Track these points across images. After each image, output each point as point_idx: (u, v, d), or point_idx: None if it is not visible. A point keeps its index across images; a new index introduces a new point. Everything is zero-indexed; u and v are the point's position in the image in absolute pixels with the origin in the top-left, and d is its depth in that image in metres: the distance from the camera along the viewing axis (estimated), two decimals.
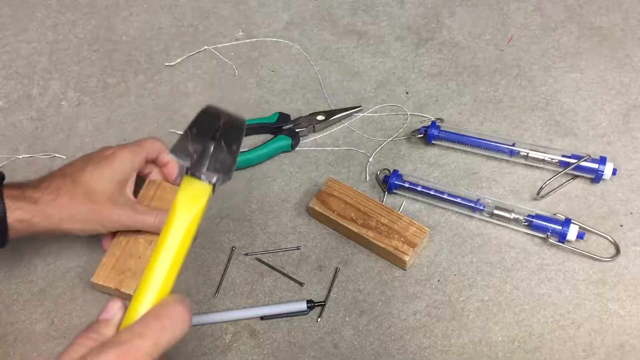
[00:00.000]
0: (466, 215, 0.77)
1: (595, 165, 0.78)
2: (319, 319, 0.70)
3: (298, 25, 0.99)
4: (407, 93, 0.90)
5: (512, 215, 0.75)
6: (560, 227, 0.73)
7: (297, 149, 0.85)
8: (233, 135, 0.56)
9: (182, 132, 0.55)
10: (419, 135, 0.83)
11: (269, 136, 0.85)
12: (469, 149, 0.82)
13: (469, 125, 0.86)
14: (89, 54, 0.97)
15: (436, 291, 0.72)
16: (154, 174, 0.77)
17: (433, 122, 0.83)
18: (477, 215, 0.76)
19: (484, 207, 0.76)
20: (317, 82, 0.92)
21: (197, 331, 0.69)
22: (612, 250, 0.74)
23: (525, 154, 0.80)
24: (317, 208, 0.76)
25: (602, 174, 0.77)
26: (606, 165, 0.77)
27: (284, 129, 0.85)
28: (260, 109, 0.89)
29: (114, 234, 0.72)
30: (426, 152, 0.84)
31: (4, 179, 0.66)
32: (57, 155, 0.85)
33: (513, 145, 0.80)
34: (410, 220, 0.74)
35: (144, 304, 0.51)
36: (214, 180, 0.54)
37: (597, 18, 0.97)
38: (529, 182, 0.80)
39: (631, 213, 0.77)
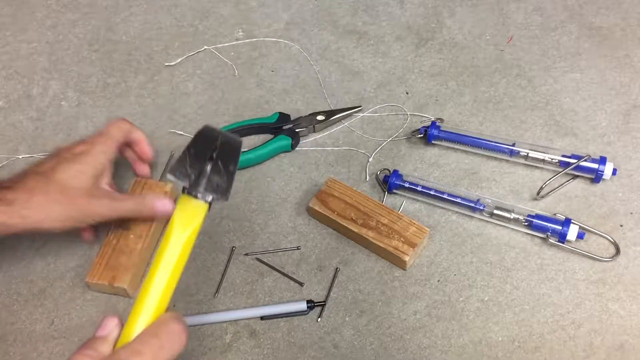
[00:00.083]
0: (466, 215, 0.77)
1: (595, 165, 0.77)
2: (319, 319, 0.70)
3: (298, 25, 0.99)
4: (407, 93, 0.90)
5: (512, 215, 0.75)
6: (560, 227, 0.73)
7: (297, 149, 0.85)
8: (229, 156, 0.57)
9: (182, 146, 0.56)
10: (419, 135, 0.83)
11: (269, 136, 0.85)
12: (469, 149, 0.82)
13: (469, 125, 0.86)
14: (89, 54, 0.97)
15: (436, 291, 0.72)
16: (129, 153, 0.78)
17: (433, 122, 0.83)
18: (477, 215, 0.76)
19: (484, 207, 0.76)
20: (317, 82, 0.92)
21: (197, 331, 0.69)
22: (612, 250, 0.74)
23: (525, 154, 0.80)
24: (317, 208, 0.76)
25: (602, 174, 0.77)
26: (606, 165, 0.77)
27: (284, 129, 0.85)
28: (260, 109, 0.89)
29: (106, 230, 0.74)
30: (426, 152, 0.84)
31: None
32: None
33: (513, 145, 0.80)
34: (410, 220, 0.74)
35: (140, 321, 0.52)
36: (210, 199, 0.55)
37: (597, 18, 0.97)
38: (529, 182, 0.80)
39: (631, 213, 0.77)
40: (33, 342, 0.69)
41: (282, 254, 0.75)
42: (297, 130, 0.85)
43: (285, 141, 0.83)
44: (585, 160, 0.78)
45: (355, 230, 0.74)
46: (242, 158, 0.82)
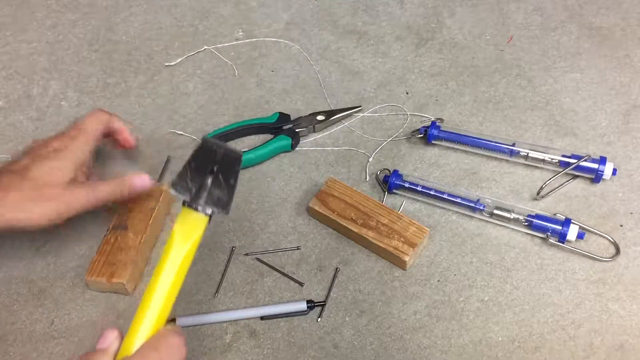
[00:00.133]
0: (466, 215, 0.77)
1: (595, 165, 0.78)
2: (319, 319, 0.70)
3: (298, 25, 0.99)
4: (407, 93, 0.90)
5: (512, 215, 0.75)
6: (560, 227, 0.73)
7: (297, 149, 0.85)
8: (230, 169, 0.58)
9: (183, 161, 0.57)
10: (419, 135, 0.83)
11: (269, 136, 0.85)
12: (469, 149, 0.82)
13: (469, 125, 0.86)
14: (89, 54, 0.97)
15: (436, 291, 0.72)
16: (109, 142, 0.77)
17: (433, 122, 0.83)
18: (477, 215, 0.76)
19: (484, 207, 0.76)
20: (317, 82, 0.92)
21: (197, 331, 0.69)
22: (612, 250, 0.74)
23: (525, 154, 0.80)
24: (317, 208, 0.76)
25: (602, 174, 0.77)
26: (606, 165, 0.77)
27: (284, 129, 0.85)
28: (260, 109, 0.89)
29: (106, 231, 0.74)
30: (426, 152, 0.84)
31: None
32: None
33: (513, 145, 0.80)
34: (410, 220, 0.74)
35: (140, 333, 0.52)
36: (210, 212, 0.56)
37: (597, 18, 0.97)
38: (529, 182, 0.80)
39: (631, 213, 0.77)
40: (33, 342, 0.69)
41: (282, 254, 0.75)
42: (297, 130, 0.85)
43: (285, 141, 0.83)
44: (585, 160, 0.78)
45: (355, 230, 0.74)
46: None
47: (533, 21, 0.98)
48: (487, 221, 0.77)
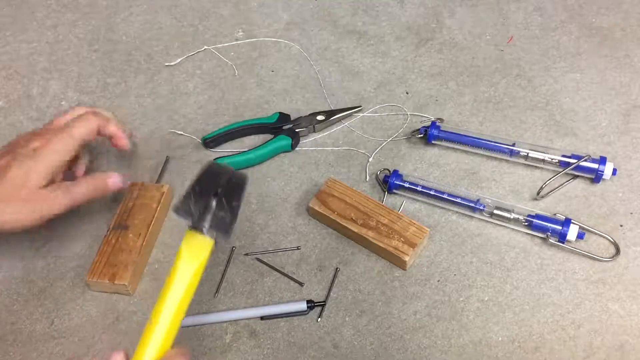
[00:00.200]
0: (466, 215, 0.77)
1: (595, 165, 0.78)
2: (319, 319, 0.70)
3: (298, 25, 0.99)
4: (407, 93, 0.90)
5: (512, 215, 0.75)
6: (560, 227, 0.73)
7: (297, 149, 0.85)
8: (234, 193, 0.58)
9: (187, 188, 0.57)
10: (419, 135, 0.83)
11: (269, 136, 0.85)
12: (469, 149, 0.82)
13: (469, 125, 0.86)
14: (89, 54, 0.97)
15: (436, 291, 0.72)
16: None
17: (433, 122, 0.83)
18: (477, 215, 0.76)
19: (484, 207, 0.76)
20: (317, 82, 0.92)
21: (197, 331, 0.69)
22: (612, 250, 0.74)
23: (525, 154, 0.80)
24: (317, 208, 0.76)
25: (602, 174, 0.77)
26: (606, 165, 0.77)
27: (284, 129, 0.85)
28: (260, 109, 0.89)
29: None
30: (426, 152, 0.84)
31: None
32: None
33: (513, 145, 0.80)
34: (410, 220, 0.74)
35: (146, 357, 0.53)
36: (214, 236, 0.56)
37: (597, 18, 0.97)
38: (529, 182, 0.80)
39: (631, 213, 0.77)
40: (33, 342, 0.69)
41: (282, 254, 0.75)
42: (297, 130, 0.85)
43: (285, 141, 0.83)
44: (585, 160, 0.78)
45: (355, 230, 0.74)
46: (242, 158, 0.82)
47: (533, 21, 0.98)
48: (487, 221, 0.77)
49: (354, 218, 0.75)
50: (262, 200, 0.80)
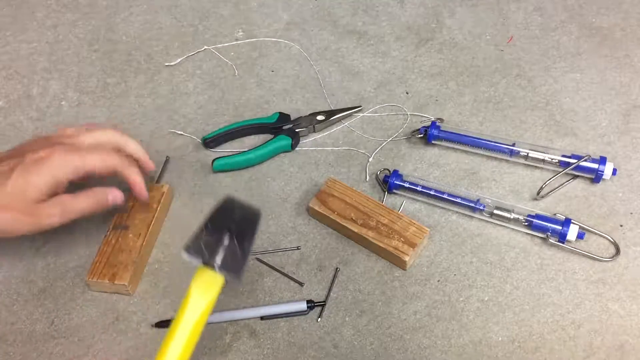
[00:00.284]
0: (466, 215, 0.77)
1: (595, 165, 0.78)
2: (319, 319, 0.70)
3: (298, 25, 0.99)
4: (407, 93, 0.90)
5: (512, 215, 0.75)
6: (560, 227, 0.73)
7: (297, 149, 0.85)
8: (247, 230, 0.59)
9: (199, 226, 0.58)
10: (419, 135, 0.83)
11: (269, 136, 0.85)
12: (469, 149, 0.82)
13: (469, 125, 0.86)
14: (89, 54, 0.97)
15: (436, 291, 0.72)
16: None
17: (433, 122, 0.83)
18: (477, 215, 0.76)
19: (484, 207, 0.76)
20: (317, 82, 0.92)
21: None
22: (612, 250, 0.74)
23: (525, 154, 0.80)
24: (317, 208, 0.76)
25: (602, 174, 0.77)
26: (606, 165, 0.77)
27: (284, 129, 0.85)
28: (260, 109, 0.89)
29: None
30: (426, 152, 0.84)
31: None
32: None
33: (513, 145, 0.80)
34: (410, 220, 0.74)
35: None
36: (223, 276, 0.57)
37: (597, 18, 0.97)
38: (529, 182, 0.80)
39: (631, 213, 0.77)
40: (33, 342, 0.69)
41: (282, 254, 0.75)
42: (297, 130, 0.85)
43: (285, 141, 0.83)
44: (585, 160, 0.78)
45: (355, 230, 0.74)
46: (242, 158, 0.82)
47: (533, 21, 0.98)
48: (487, 221, 0.77)
49: (354, 218, 0.75)
50: (262, 200, 0.80)
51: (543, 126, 0.85)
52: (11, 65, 0.95)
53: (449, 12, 1.00)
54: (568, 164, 0.78)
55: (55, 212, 0.65)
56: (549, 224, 0.73)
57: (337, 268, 0.74)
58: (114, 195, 0.70)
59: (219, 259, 0.57)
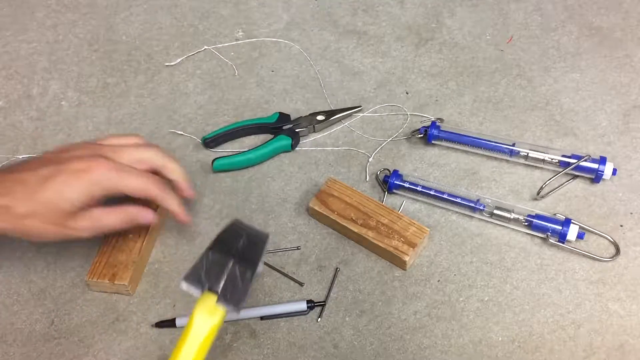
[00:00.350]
0: (466, 215, 0.77)
1: (595, 165, 0.78)
2: (319, 319, 0.70)
3: (298, 25, 0.99)
4: (407, 93, 0.90)
5: (512, 215, 0.75)
6: (560, 227, 0.73)
7: (297, 149, 0.85)
8: (253, 256, 0.59)
9: (200, 255, 0.58)
10: (419, 135, 0.83)
11: (269, 136, 0.85)
12: (469, 149, 0.82)
13: (469, 125, 0.86)
14: (89, 54, 0.97)
15: (436, 291, 0.72)
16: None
17: (433, 122, 0.83)
18: (477, 215, 0.76)
19: (484, 207, 0.76)
20: (317, 82, 0.92)
21: None
22: (612, 250, 0.74)
23: (525, 154, 0.80)
24: (317, 208, 0.76)
25: (602, 174, 0.77)
26: (606, 165, 0.77)
27: (284, 129, 0.85)
28: (260, 109, 0.89)
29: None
30: (426, 152, 0.84)
31: None
32: None
33: (513, 145, 0.80)
34: (410, 220, 0.74)
35: None
36: (223, 307, 0.57)
37: (597, 18, 0.97)
38: (529, 182, 0.80)
39: (631, 213, 0.77)
40: (33, 342, 0.69)
41: (282, 254, 0.75)
42: (297, 130, 0.85)
43: (285, 141, 0.83)
44: (585, 160, 0.78)
45: (355, 230, 0.74)
46: (242, 158, 0.82)
47: (533, 21, 0.98)
48: (487, 221, 0.77)
49: (354, 218, 0.75)
50: (262, 200, 0.80)
51: (543, 126, 0.85)
52: (11, 65, 0.95)
53: (449, 12, 1.00)
54: (568, 164, 0.78)
55: (85, 226, 0.65)
56: (549, 224, 0.73)
57: (337, 268, 0.74)
58: (146, 216, 0.69)
59: (220, 288, 0.57)
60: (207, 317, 0.56)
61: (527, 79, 0.91)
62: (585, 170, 0.78)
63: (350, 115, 0.87)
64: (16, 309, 0.72)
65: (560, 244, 0.73)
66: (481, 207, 0.76)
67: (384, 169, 0.81)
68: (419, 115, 0.87)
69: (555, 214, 0.76)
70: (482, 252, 0.74)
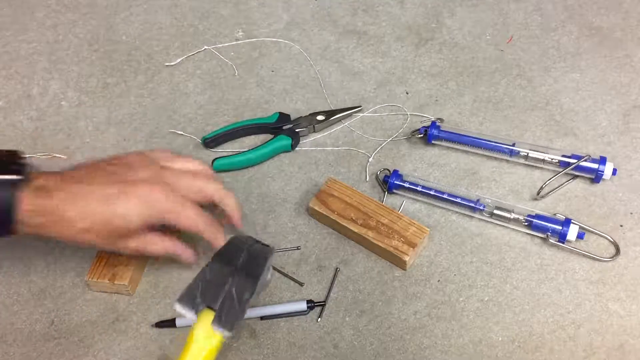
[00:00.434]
0: (466, 215, 0.77)
1: (595, 165, 0.78)
2: (319, 319, 0.70)
3: (298, 25, 0.99)
4: (407, 93, 0.90)
5: (512, 215, 0.75)
6: (560, 227, 0.73)
7: (297, 149, 0.85)
8: (254, 272, 0.59)
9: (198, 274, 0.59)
10: (419, 135, 0.83)
11: (269, 136, 0.85)
12: (469, 149, 0.82)
13: (469, 125, 0.86)
14: (89, 54, 0.97)
15: (436, 291, 0.72)
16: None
17: (433, 122, 0.83)
18: (477, 215, 0.76)
19: (484, 207, 0.76)
20: (317, 82, 0.92)
21: None
22: (612, 250, 0.74)
23: (525, 154, 0.80)
24: (317, 208, 0.76)
25: (602, 174, 0.77)
26: (606, 165, 0.77)
27: (284, 129, 0.85)
28: (260, 109, 0.89)
29: None
30: (426, 152, 0.84)
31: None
32: (57, 155, 0.85)
33: (513, 145, 0.80)
34: (410, 220, 0.74)
35: None
36: (217, 330, 0.57)
37: (597, 18, 0.97)
38: (529, 182, 0.80)
39: (631, 213, 0.77)
40: (33, 342, 0.69)
41: (282, 254, 0.75)
42: (297, 130, 0.85)
43: (285, 141, 0.83)
44: (585, 160, 0.78)
45: (355, 230, 0.74)
46: (242, 158, 0.82)
47: (533, 21, 0.98)
48: (487, 221, 0.77)
49: (354, 218, 0.75)
50: (262, 200, 0.80)
51: (543, 126, 0.85)
52: (11, 65, 0.95)
53: (449, 12, 1.00)
54: (568, 164, 0.78)
55: (132, 247, 0.66)
56: (549, 224, 0.73)
57: (337, 268, 0.74)
58: (189, 258, 0.70)
59: (217, 306, 0.57)
60: (207, 335, 0.57)
61: (527, 79, 0.91)
62: (585, 170, 0.78)
63: (350, 115, 0.87)
64: (16, 309, 0.72)
65: (560, 244, 0.73)
66: (481, 207, 0.76)
67: (384, 169, 0.81)
68: (419, 115, 0.87)
69: (555, 214, 0.76)
70: (482, 252, 0.74)
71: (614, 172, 0.78)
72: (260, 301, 0.72)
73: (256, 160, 0.83)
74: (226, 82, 0.93)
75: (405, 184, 0.78)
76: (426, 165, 0.83)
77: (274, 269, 0.74)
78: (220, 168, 0.82)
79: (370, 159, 0.83)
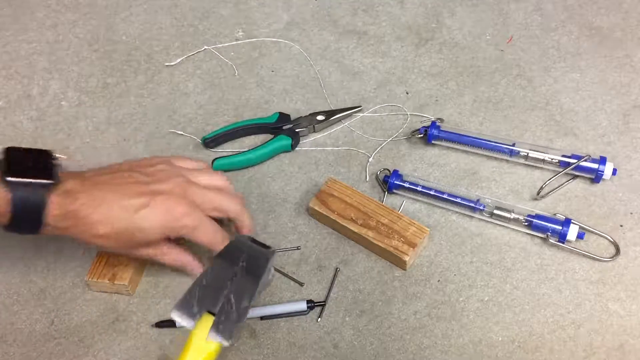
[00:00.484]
0: (466, 215, 0.77)
1: (595, 165, 0.78)
2: (319, 319, 0.70)
3: (298, 25, 0.99)
4: (407, 93, 0.90)
5: (512, 215, 0.75)
6: (560, 227, 0.73)
7: (297, 149, 0.85)
8: (253, 276, 0.59)
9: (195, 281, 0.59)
10: (419, 135, 0.83)
11: (269, 136, 0.85)
12: (469, 149, 0.82)
13: (469, 125, 0.86)
14: (89, 54, 0.97)
15: (436, 291, 0.72)
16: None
17: (433, 122, 0.83)
18: (477, 215, 0.76)
19: (484, 207, 0.76)
20: (317, 82, 0.92)
21: None
22: (612, 250, 0.74)
23: (525, 154, 0.80)
24: (317, 208, 0.76)
25: (602, 174, 0.77)
26: (606, 165, 0.77)
27: (284, 129, 0.85)
28: (260, 109, 0.89)
29: None
30: (426, 152, 0.84)
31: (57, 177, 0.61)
32: (57, 155, 0.85)
33: (513, 145, 0.80)
34: (410, 220, 0.74)
35: None
36: (214, 338, 0.57)
37: (597, 18, 0.97)
38: (529, 182, 0.80)
39: (631, 213, 0.77)
40: (33, 342, 0.69)
41: (282, 254, 0.75)
42: (297, 130, 0.85)
43: (285, 141, 0.83)
44: (585, 160, 0.78)
45: (355, 230, 0.74)
46: (242, 158, 0.82)
47: (533, 21, 0.98)
48: (487, 221, 0.77)
49: (354, 218, 0.75)
50: (262, 200, 0.80)
51: (543, 126, 0.85)
52: (11, 65, 0.95)
53: (449, 12, 1.00)
54: (568, 164, 0.78)
55: (146, 255, 0.66)
56: (549, 224, 0.73)
57: (337, 268, 0.74)
58: (195, 269, 0.70)
59: (216, 310, 0.57)
60: (205, 340, 0.57)
61: (527, 79, 0.91)
62: (585, 170, 0.78)
63: (350, 115, 0.87)
64: (16, 309, 0.72)
65: (560, 244, 0.73)
66: (481, 207, 0.76)
67: (384, 169, 0.81)
68: (419, 115, 0.87)
69: (555, 214, 0.76)
70: (482, 252, 0.74)
71: (614, 172, 0.78)
72: (260, 301, 0.72)
73: (256, 160, 0.83)
74: (226, 82, 0.93)
75: (405, 184, 0.78)
76: (426, 165, 0.83)
77: (274, 268, 0.74)
78: (220, 168, 0.82)
79: (370, 159, 0.83)
